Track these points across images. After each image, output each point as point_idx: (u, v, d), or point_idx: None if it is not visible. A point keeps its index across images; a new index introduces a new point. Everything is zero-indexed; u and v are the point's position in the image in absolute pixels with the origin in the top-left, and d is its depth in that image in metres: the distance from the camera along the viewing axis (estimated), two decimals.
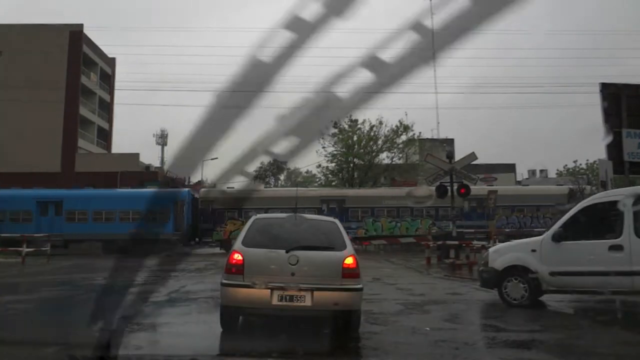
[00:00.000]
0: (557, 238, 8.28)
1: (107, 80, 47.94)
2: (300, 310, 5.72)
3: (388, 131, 33.79)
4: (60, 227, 23.91)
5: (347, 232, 6.64)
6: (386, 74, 1.66)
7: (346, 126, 33.96)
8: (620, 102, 12.79)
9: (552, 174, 50.82)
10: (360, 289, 5.98)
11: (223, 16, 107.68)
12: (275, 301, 5.68)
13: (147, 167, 42.89)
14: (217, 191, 23.62)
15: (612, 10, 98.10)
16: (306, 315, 5.91)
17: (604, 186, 12.59)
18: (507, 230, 25.09)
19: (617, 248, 7.80)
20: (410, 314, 8.15)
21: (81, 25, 41.87)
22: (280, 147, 1.92)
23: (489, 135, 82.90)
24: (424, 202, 22.79)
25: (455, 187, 17.05)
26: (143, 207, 25.38)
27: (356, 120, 34.01)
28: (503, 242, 12.60)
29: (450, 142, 45.90)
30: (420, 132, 35.69)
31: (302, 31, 1.82)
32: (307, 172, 56.65)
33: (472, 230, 19.56)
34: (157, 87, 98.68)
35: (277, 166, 71.31)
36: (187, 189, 29.38)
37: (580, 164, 44.05)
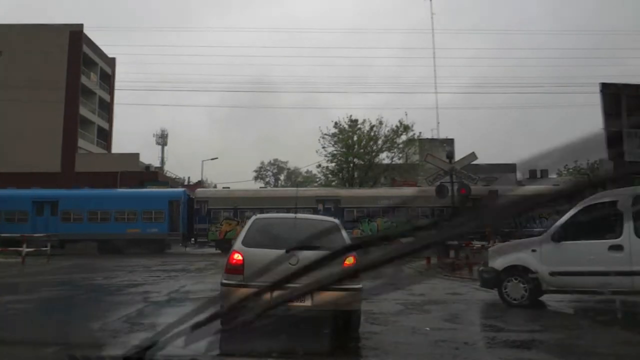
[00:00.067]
0: (557, 238, 8.28)
1: (107, 80, 47.96)
2: (300, 310, 5.72)
3: (388, 131, 33.79)
4: (56, 227, 23.90)
5: None
6: None
7: (346, 126, 33.99)
8: (620, 102, 12.82)
9: (552, 174, 50.82)
10: (361, 289, 5.98)
11: (223, 16, 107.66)
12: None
13: (147, 167, 42.91)
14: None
15: (612, 10, 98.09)
16: (306, 315, 5.91)
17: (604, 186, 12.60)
18: (507, 230, 25.07)
19: (617, 248, 7.81)
20: (410, 314, 8.15)
21: (81, 25, 41.89)
22: None
23: (489, 135, 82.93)
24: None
25: (455, 187, 17.06)
26: (139, 207, 25.61)
27: (356, 120, 34.05)
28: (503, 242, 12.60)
29: (450, 142, 46.01)
30: (420, 132, 35.73)
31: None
32: (307, 172, 56.76)
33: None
34: (157, 87, 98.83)
35: (277, 166, 70.99)
36: (182, 189, 29.40)
37: (581, 164, 44.00)
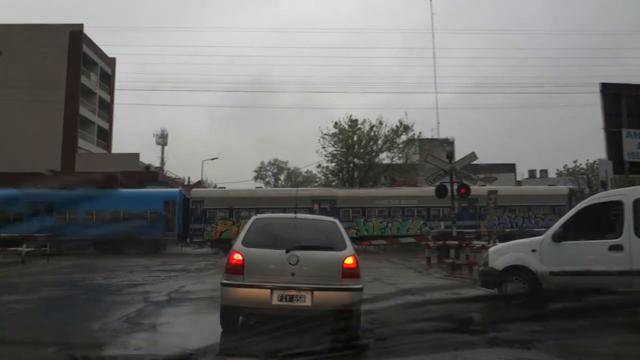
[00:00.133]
0: (557, 238, 8.28)
1: (107, 80, 47.98)
2: (300, 310, 5.72)
3: (388, 131, 33.82)
4: (52, 228, 23.85)
5: None
6: None
7: (346, 126, 33.98)
8: (620, 102, 12.81)
9: (552, 174, 50.86)
10: (361, 289, 5.98)
11: (223, 16, 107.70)
12: (275, 301, 5.68)
13: (147, 167, 42.95)
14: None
15: (612, 10, 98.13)
16: (306, 315, 5.91)
17: (604, 186, 12.59)
18: (507, 230, 25.07)
19: (617, 248, 7.80)
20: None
21: (81, 25, 41.91)
22: None
23: (489, 135, 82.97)
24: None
25: (455, 187, 17.05)
26: (134, 207, 25.56)
27: (356, 120, 34.07)
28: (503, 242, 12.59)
29: (450, 143, 46.06)
30: (420, 132, 35.77)
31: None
32: (307, 172, 56.76)
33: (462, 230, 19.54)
34: (157, 87, 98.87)
35: (277, 166, 70.99)
36: (178, 189, 29.32)
37: (580, 164, 44.04)
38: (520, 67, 76.76)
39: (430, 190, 18.47)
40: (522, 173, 54.93)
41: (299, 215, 6.63)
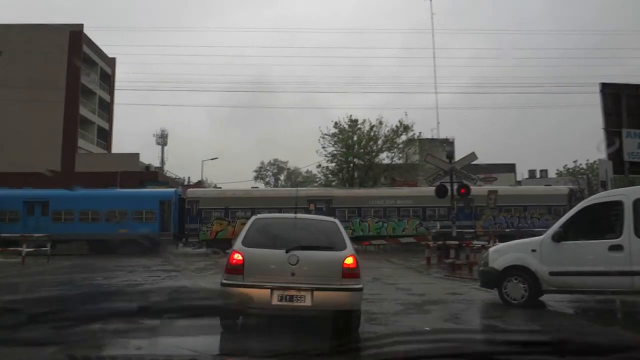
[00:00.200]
0: (557, 238, 8.28)
1: (107, 80, 47.96)
2: (300, 310, 5.71)
3: (388, 131, 33.75)
4: (47, 227, 23.82)
5: None
6: None
7: (346, 126, 33.97)
8: (620, 102, 12.81)
9: (552, 174, 50.87)
10: (360, 289, 5.97)
11: (223, 16, 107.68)
12: (275, 301, 5.68)
13: (147, 167, 42.92)
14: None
15: (612, 10, 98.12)
16: (306, 315, 5.91)
17: (604, 186, 12.59)
18: (507, 230, 25.04)
19: (617, 248, 7.80)
20: (410, 314, 8.15)
21: (81, 25, 41.90)
22: None
23: (489, 135, 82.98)
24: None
25: (455, 187, 17.04)
26: (129, 207, 25.50)
27: (356, 120, 34.03)
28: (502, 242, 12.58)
29: (450, 142, 46.06)
30: (420, 132, 35.72)
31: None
32: (307, 172, 56.75)
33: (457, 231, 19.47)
34: (157, 87, 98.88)
35: (277, 166, 70.89)
36: (173, 189, 29.23)
37: (580, 164, 44.02)
38: (520, 67, 76.96)
39: (426, 190, 18.41)
40: (522, 173, 54.98)
41: (299, 215, 6.64)
